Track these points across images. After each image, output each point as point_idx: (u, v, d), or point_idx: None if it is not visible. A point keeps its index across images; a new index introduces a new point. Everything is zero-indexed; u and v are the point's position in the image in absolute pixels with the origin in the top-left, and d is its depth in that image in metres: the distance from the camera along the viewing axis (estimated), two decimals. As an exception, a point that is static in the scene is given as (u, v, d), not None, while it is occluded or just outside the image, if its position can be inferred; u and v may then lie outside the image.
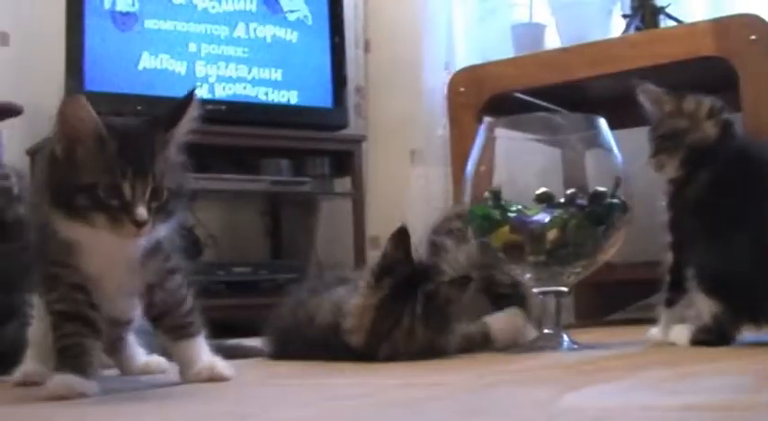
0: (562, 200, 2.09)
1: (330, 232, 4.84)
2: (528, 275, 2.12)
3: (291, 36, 4.47)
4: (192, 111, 1.62)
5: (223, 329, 3.38)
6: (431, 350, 1.90)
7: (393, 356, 1.88)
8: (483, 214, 2.12)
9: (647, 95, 2.20)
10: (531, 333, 2.10)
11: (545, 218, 2.05)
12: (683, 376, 1.33)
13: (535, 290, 2.11)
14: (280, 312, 2.20)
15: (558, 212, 2.05)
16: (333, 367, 1.87)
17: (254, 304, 3.94)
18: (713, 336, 1.87)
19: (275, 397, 1.47)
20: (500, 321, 2.10)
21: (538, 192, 2.10)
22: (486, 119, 2.36)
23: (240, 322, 3.69)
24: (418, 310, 1.90)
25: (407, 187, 4.55)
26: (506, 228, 2.08)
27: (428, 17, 4.61)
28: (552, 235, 2.04)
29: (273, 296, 3.91)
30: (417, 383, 1.51)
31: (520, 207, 2.09)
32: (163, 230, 1.54)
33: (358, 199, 4.43)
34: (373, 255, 4.49)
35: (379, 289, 1.95)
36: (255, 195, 4.55)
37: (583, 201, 2.07)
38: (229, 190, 4.31)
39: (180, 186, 1.58)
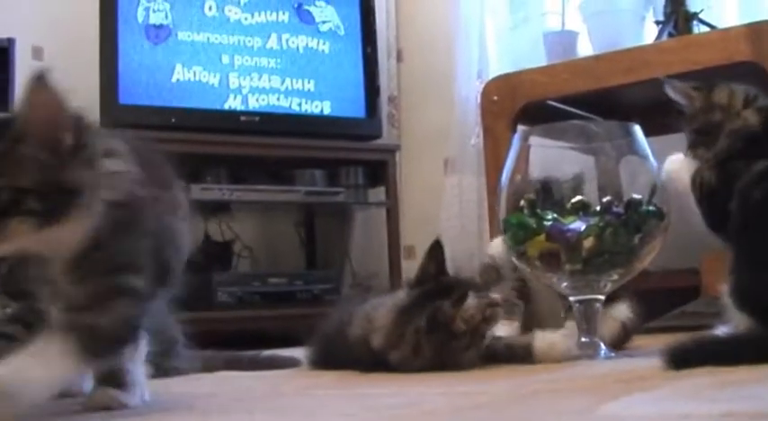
0: (598, 208, 2.08)
1: (365, 242, 4.84)
2: (564, 284, 2.12)
3: (324, 46, 4.48)
4: (39, 96, 1.34)
5: (259, 340, 3.41)
6: (440, 364, 1.90)
7: (403, 364, 1.89)
8: (518, 222, 2.12)
9: (676, 90, 2.17)
10: (575, 352, 2.06)
11: (581, 226, 2.05)
12: (723, 384, 1.32)
13: (572, 298, 2.11)
14: (324, 323, 2.21)
15: (593, 220, 2.05)
16: (374, 377, 1.88)
17: (289, 315, 3.97)
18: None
19: (317, 407, 1.48)
20: (545, 339, 2.07)
21: (573, 200, 2.10)
22: (521, 127, 2.35)
23: (276, 333, 3.71)
24: (421, 324, 1.90)
25: (441, 196, 4.56)
26: (542, 237, 2.08)
27: (460, 26, 4.61)
28: (588, 243, 2.04)
29: (309, 306, 3.98)
30: (457, 393, 1.52)
31: (555, 216, 2.09)
32: (32, 236, 1.31)
33: (392, 208, 4.43)
34: (408, 265, 4.52)
35: (407, 297, 1.96)
36: (290, 206, 4.55)
37: (619, 209, 2.07)
38: (264, 201, 4.33)
39: (48, 184, 1.31)
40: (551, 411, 1.21)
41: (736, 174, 1.92)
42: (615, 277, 2.09)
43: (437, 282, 1.98)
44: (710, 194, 2.00)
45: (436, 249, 2.02)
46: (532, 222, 2.10)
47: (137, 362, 1.53)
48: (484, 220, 3.75)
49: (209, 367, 2.29)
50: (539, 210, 2.10)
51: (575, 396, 1.34)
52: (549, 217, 2.09)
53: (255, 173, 4.34)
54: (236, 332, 3.92)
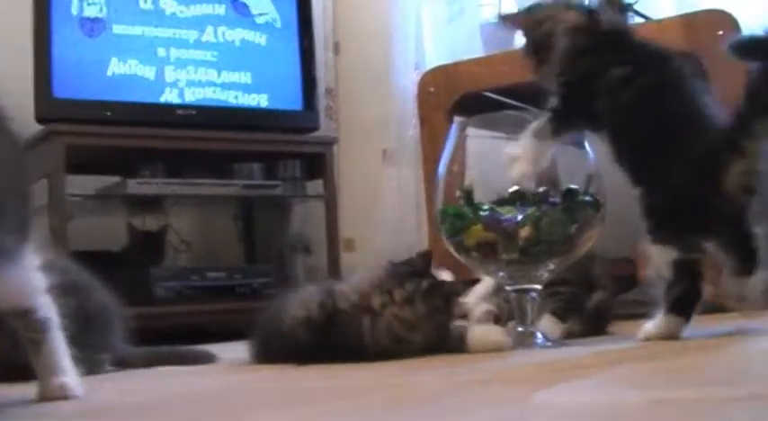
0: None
1: (303, 235, 4.83)
2: (501, 274, 2.12)
3: (260, 39, 4.45)
4: None
5: (199, 335, 3.39)
6: (396, 341, 1.91)
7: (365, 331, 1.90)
8: (455, 213, 2.12)
9: (509, 21, 2.24)
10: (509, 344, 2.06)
11: (518, 216, 2.05)
12: (658, 371, 1.34)
13: (509, 288, 2.11)
14: (261, 316, 2.20)
15: (530, 210, 2.05)
16: (312, 369, 1.87)
17: (229, 309, 3.95)
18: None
19: (258, 401, 1.47)
20: (480, 329, 2.07)
21: (510, 190, 2.10)
22: (457, 118, 2.35)
23: (216, 327, 3.69)
24: (424, 286, 1.93)
25: (380, 189, 4.56)
26: (479, 227, 2.08)
27: (397, 18, 4.62)
28: (525, 232, 2.04)
29: (248, 300, 3.96)
30: (393, 385, 1.51)
31: (492, 206, 2.09)
32: None
33: (330, 201, 4.42)
34: (347, 258, 4.52)
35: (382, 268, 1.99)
36: (228, 200, 4.53)
37: (555, 199, 2.08)
38: (202, 195, 4.29)
39: None
40: (487, 401, 1.21)
41: (589, 69, 1.98)
42: (552, 266, 2.10)
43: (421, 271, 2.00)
44: (570, 89, 2.04)
45: (427, 254, 2.03)
46: (469, 212, 2.10)
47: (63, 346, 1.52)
48: (422, 212, 3.76)
49: (127, 363, 2.25)
50: (474, 201, 2.10)
51: (510, 385, 1.35)
52: (486, 207, 2.09)
53: (192, 166, 4.30)
54: (175, 327, 3.90)
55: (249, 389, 1.66)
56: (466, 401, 1.21)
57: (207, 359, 2.34)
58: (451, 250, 2.20)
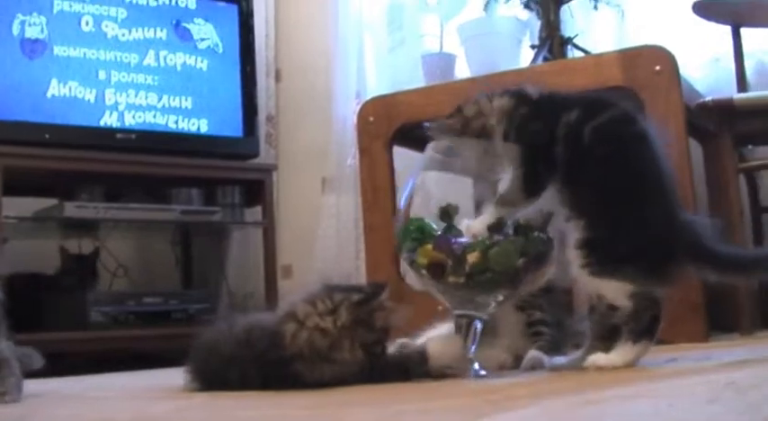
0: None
1: (241, 261, 4.82)
2: (448, 296, 2.12)
3: (202, 64, 4.46)
4: None
5: (135, 360, 3.37)
6: (318, 355, 1.92)
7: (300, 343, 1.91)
8: (417, 227, 2.12)
9: (437, 131, 2.25)
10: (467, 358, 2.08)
11: (468, 240, 2.05)
12: (589, 403, 1.34)
13: (456, 312, 2.12)
14: (199, 342, 2.19)
15: (482, 237, 2.06)
16: (240, 397, 1.87)
17: (165, 334, 3.93)
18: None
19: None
20: (438, 343, 2.08)
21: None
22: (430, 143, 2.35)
23: (152, 353, 3.67)
24: (320, 306, 1.96)
25: (319, 216, 4.57)
26: (430, 246, 2.09)
27: (339, 47, 4.63)
28: (472, 258, 2.04)
29: (184, 326, 3.94)
30: (326, 415, 1.51)
31: (451, 227, 2.10)
32: None
33: (269, 228, 4.42)
34: (284, 285, 4.51)
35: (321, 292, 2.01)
36: (166, 225, 4.51)
37: (507, 230, 2.08)
38: (139, 219, 4.27)
39: None
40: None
41: (539, 128, 2.03)
42: (500, 298, 2.10)
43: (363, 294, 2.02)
44: (527, 152, 2.05)
45: (381, 285, 2.06)
46: (430, 229, 2.11)
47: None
48: (360, 240, 3.77)
49: None
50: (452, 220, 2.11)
51: (442, 417, 1.35)
52: (442, 228, 2.10)
53: (131, 191, 4.30)
54: (110, 352, 3.88)
55: (178, 418, 1.65)
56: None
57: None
58: (407, 267, 2.19)
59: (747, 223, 3.66)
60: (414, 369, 2.02)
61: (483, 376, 2.05)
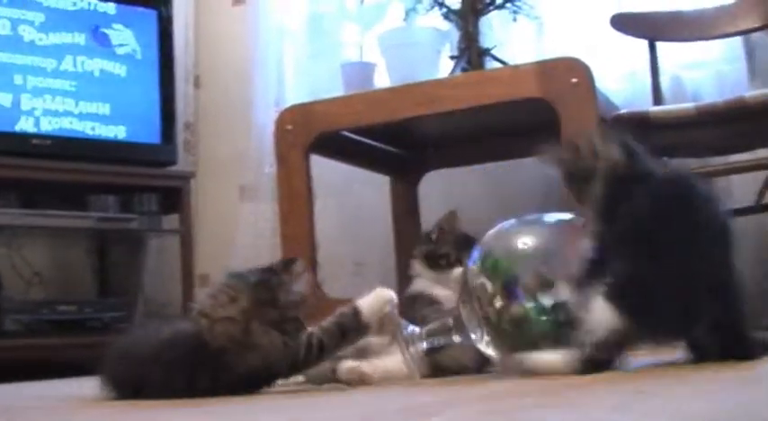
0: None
1: (158, 270, 4.79)
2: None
3: (120, 70, 4.42)
4: None
5: (49, 369, 3.33)
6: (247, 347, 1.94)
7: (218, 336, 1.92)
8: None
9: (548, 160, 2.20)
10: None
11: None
12: (496, 412, 1.35)
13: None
14: (114, 349, 2.16)
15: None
16: (153, 407, 1.85)
17: (80, 343, 3.89)
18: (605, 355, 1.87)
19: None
20: (367, 299, 2.08)
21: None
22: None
23: (66, 362, 3.62)
24: (221, 297, 1.96)
25: (237, 224, 4.55)
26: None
27: (259, 54, 4.63)
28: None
29: (100, 335, 3.90)
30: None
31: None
32: None
33: (186, 236, 4.40)
34: (202, 293, 4.48)
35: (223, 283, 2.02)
36: (82, 232, 4.46)
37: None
38: (55, 226, 4.23)
39: None
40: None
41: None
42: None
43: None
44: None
45: (290, 261, 2.05)
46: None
47: None
48: (278, 249, 3.75)
49: None
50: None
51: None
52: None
53: (47, 197, 4.24)
54: (23, 361, 3.83)
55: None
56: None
57: None
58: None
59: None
60: (349, 328, 2.03)
61: (414, 333, 2.06)
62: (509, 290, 2.04)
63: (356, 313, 2.04)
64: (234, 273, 2.06)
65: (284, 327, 1.99)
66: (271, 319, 1.98)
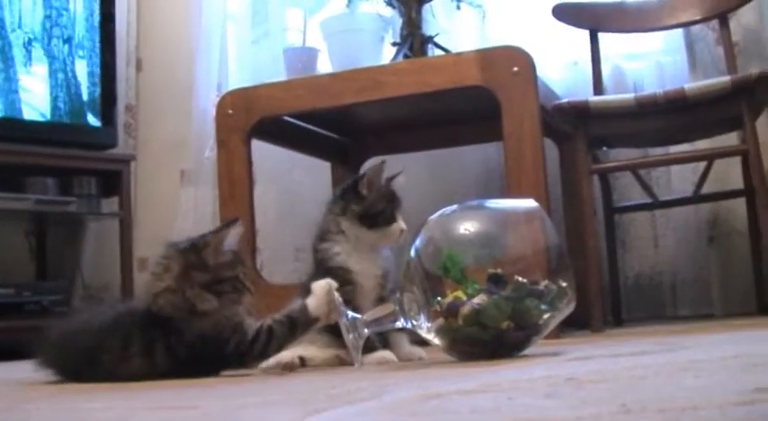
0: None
1: (97, 253, 4.76)
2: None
3: (62, 51, 4.38)
4: None
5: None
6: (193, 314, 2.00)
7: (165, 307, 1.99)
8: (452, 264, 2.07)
9: None
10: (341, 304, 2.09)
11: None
12: (428, 397, 1.35)
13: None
14: (52, 333, 2.16)
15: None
16: (89, 390, 1.85)
17: (17, 327, 3.85)
18: None
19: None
20: (313, 296, 2.08)
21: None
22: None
23: (3, 345, 3.59)
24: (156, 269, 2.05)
25: (177, 208, 4.53)
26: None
27: (201, 38, 4.60)
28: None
29: (37, 318, 3.87)
30: (168, 407, 1.50)
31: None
32: None
33: (125, 219, 4.37)
34: (141, 278, 4.46)
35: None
36: (20, 214, 4.40)
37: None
38: (-8, 208, 4.18)
39: None
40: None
41: None
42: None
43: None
44: None
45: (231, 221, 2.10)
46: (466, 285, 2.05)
47: None
48: (218, 233, 3.73)
49: None
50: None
51: (283, 409, 1.35)
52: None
53: (-16, 179, 4.20)
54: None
55: (18, 410, 1.62)
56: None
57: None
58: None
59: (600, 223, 3.75)
60: (299, 321, 2.05)
61: (356, 320, 2.06)
62: (460, 283, 2.05)
63: (304, 308, 2.05)
64: (169, 243, 2.09)
65: (219, 289, 2.03)
66: (203, 282, 2.01)
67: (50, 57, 4.35)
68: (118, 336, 2.02)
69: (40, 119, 4.27)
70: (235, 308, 2.07)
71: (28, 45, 4.30)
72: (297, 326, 2.05)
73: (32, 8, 4.31)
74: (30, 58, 4.29)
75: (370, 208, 2.36)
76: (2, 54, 4.21)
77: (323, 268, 2.33)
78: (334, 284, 2.09)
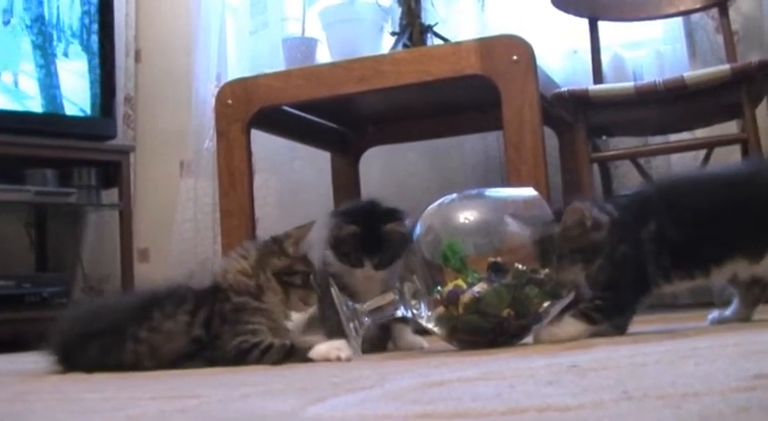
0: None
1: (97, 244, 4.76)
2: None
3: (60, 43, 4.37)
4: None
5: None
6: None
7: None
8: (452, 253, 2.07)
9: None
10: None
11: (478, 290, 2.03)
12: (429, 385, 1.36)
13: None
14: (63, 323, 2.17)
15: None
16: (91, 380, 1.85)
17: (18, 318, 3.85)
18: None
19: (23, 413, 1.44)
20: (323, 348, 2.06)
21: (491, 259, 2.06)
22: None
23: (4, 337, 3.60)
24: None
25: (177, 199, 4.53)
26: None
27: (200, 29, 4.60)
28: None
29: (38, 310, 3.87)
30: (168, 397, 1.50)
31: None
32: None
33: (125, 211, 4.37)
34: (141, 268, 4.46)
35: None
36: (20, 206, 4.41)
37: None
38: (-8, 200, 4.18)
39: None
40: (257, 414, 1.21)
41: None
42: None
43: None
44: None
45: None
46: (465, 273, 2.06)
47: None
48: (218, 224, 3.74)
49: None
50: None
51: (285, 398, 1.35)
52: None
53: (-17, 171, 4.20)
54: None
55: (21, 401, 1.62)
56: (236, 415, 1.21)
57: None
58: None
59: (600, 212, 3.74)
60: (297, 354, 2.03)
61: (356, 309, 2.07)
62: (459, 271, 2.05)
63: (309, 348, 2.03)
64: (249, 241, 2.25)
65: (290, 280, 2.12)
66: (278, 268, 2.12)
67: (49, 48, 4.34)
68: (173, 298, 2.11)
69: (40, 110, 4.26)
70: (300, 306, 2.15)
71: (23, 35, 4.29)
72: (292, 356, 2.03)
73: (30, -1, 4.31)
74: (28, 50, 4.28)
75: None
76: None
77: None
78: (343, 356, 2.06)
